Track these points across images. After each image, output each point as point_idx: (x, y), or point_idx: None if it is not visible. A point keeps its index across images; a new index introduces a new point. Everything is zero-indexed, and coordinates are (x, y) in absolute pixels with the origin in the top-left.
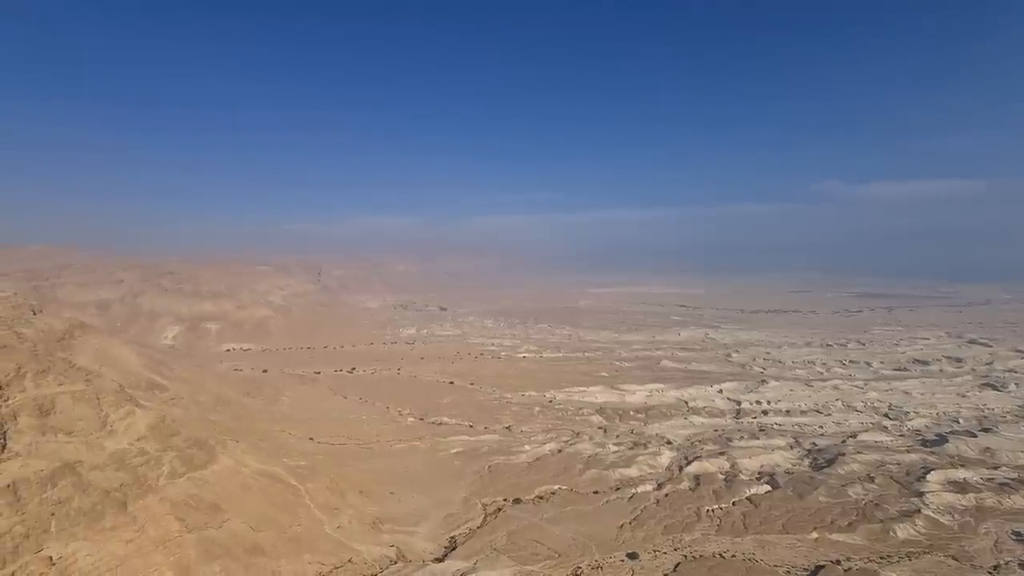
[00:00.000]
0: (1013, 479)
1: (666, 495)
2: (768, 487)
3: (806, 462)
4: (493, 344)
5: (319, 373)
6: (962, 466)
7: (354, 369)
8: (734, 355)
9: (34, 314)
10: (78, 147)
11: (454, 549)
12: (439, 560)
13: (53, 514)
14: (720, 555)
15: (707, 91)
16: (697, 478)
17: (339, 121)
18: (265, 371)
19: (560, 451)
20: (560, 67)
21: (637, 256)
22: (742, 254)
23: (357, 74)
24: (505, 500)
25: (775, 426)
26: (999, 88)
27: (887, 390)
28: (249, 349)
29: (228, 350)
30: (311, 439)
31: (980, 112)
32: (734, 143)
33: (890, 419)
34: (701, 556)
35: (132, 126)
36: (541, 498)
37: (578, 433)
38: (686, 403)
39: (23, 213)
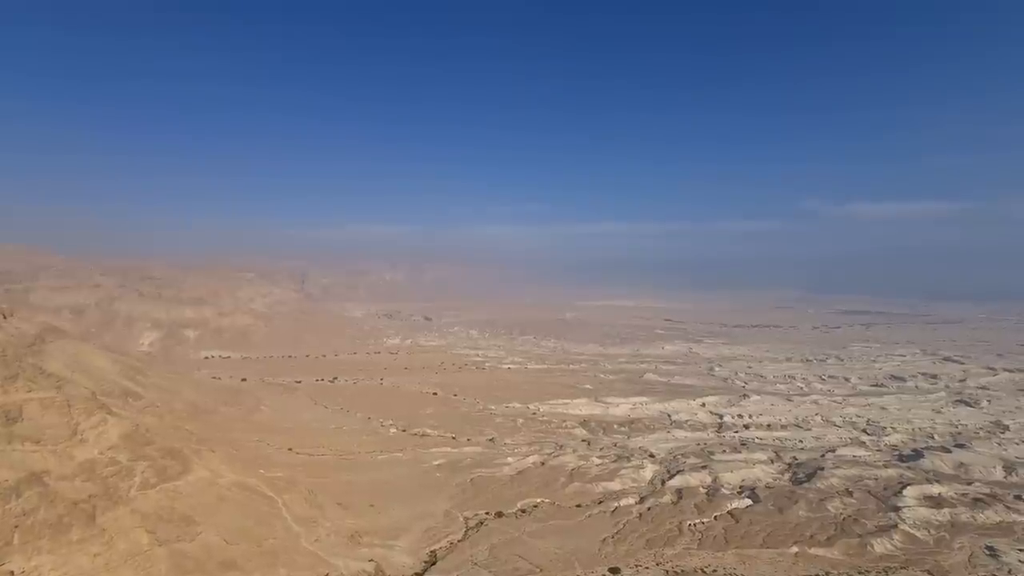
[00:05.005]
0: (986, 494)
1: (648, 509)
2: (749, 501)
3: (786, 476)
4: (478, 355)
5: (300, 382)
6: (937, 481)
7: (336, 379)
8: (717, 369)
9: (4, 318)
10: (66, 149)
11: (434, 563)
12: (419, 575)
13: (17, 526)
14: (702, 570)
15: (694, 105)
16: (679, 492)
17: (331, 128)
18: (244, 380)
19: (543, 464)
20: (550, 77)
21: (623, 269)
22: (727, 270)
23: (350, 80)
24: (487, 513)
25: (756, 440)
26: (980, 110)
27: (865, 405)
28: (229, 357)
29: (207, 358)
30: (290, 449)
31: (961, 134)
32: (721, 158)
33: (868, 434)
34: (683, 571)
35: (124, 128)
36: (523, 511)
37: (561, 446)
38: (669, 416)
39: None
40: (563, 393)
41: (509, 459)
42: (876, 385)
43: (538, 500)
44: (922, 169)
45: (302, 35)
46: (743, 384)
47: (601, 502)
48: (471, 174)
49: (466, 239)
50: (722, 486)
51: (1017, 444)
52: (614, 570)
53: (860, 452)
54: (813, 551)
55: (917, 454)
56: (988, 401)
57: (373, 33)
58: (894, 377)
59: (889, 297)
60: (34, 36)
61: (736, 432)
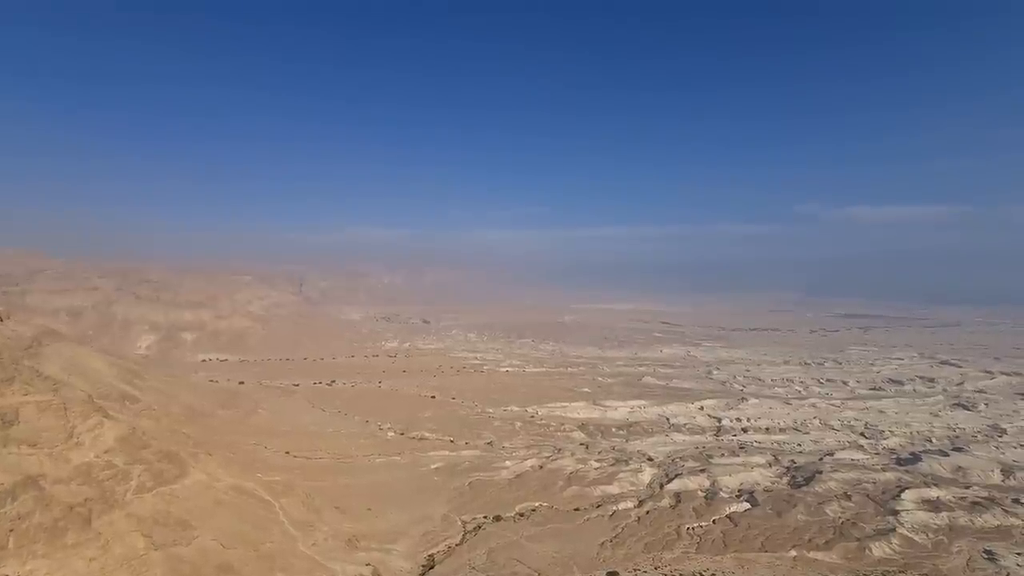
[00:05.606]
0: (984, 498)
1: (647, 512)
2: (748, 505)
3: (784, 480)
4: (476, 358)
5: (298, 385)
6: (935, 485)
7: (334, 382)
8: (715, 372)
9: (1, 320)
10: (65, 152)
11: (432, 568)
12: None
13: (12, 530)
14: (700, 574)
15: (694, 109)
16: (678, 495)
17: (331, 131)
18: (242, 383)
19: (541, 467)
20: (550, 82)
21: (622, 273)
22: (726, 273)
23: (350, 84)
24: (485, 517)
25: (755, 444)
26: (980, 114)
27: (863, 409)
28: (226, 360)
29: (204, 361)
30: (287, 453)
31: (960, 138)
32: (720, 162)
33: (866, 438)
34: (681, 575)
35: (122, 131)
36: (522, 515)
37: (560, 449)
38: (667, 420)
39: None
40: (561, 396)
41: (507, 463)
42: (874, 388)
43: (536, 504)
44: (922, 172)
45: (302, 38)
46: (741, 387)
47: (599, 506)
48: (471, 178)
49: (465, 243)
50: (720, 490)
51: (1015, 447)
52: (612, 574)
53: (858, 456)
54: (811, 555)
55: (915, 457)
56: (985, 404)
57: (374, 36)
58: (892, 380)
59: (887, 300)
60: (34, 38)
61: (734, 435)
